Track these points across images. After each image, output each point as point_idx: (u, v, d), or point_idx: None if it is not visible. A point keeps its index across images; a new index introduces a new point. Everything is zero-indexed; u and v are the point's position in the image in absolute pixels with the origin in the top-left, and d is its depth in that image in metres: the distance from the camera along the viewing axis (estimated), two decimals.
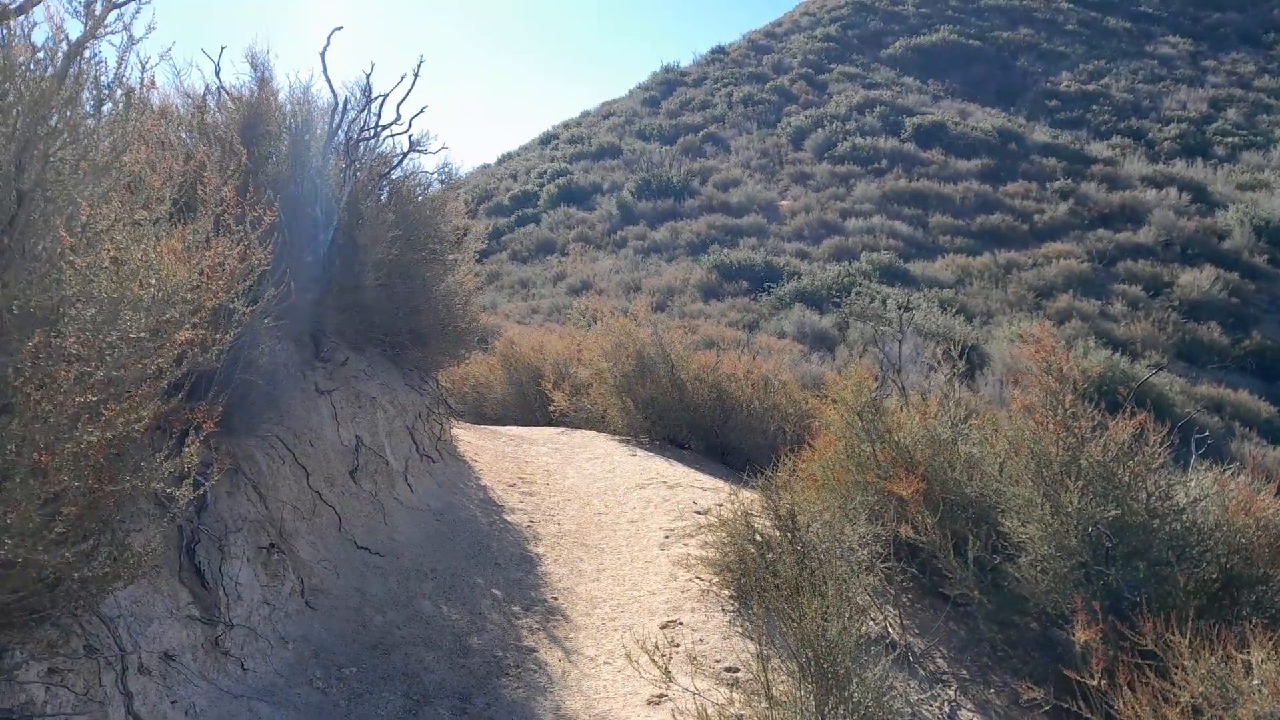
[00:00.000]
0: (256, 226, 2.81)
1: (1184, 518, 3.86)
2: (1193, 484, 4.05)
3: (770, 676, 3.26)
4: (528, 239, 26.56)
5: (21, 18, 2.47)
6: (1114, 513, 3.80)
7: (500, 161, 38.13)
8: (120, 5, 2.50)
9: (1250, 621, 3.22)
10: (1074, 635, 3.35)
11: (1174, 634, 2.92)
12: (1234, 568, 3.75)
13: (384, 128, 5.75)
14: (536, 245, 26.07)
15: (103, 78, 2.64)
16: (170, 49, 3.23)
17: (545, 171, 32.33)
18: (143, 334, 2.07)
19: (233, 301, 2.62)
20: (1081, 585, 3.78)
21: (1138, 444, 3.98)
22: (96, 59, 2.65)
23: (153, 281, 2.09)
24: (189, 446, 2.26)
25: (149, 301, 2.07)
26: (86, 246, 2.02)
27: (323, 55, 5.20)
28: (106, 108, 2.57)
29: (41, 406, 1.79)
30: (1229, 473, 4.09)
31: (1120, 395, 4.10)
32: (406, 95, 5.71)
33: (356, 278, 5.34)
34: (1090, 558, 3.81)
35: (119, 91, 2.47)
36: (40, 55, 2.39)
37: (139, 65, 2.59)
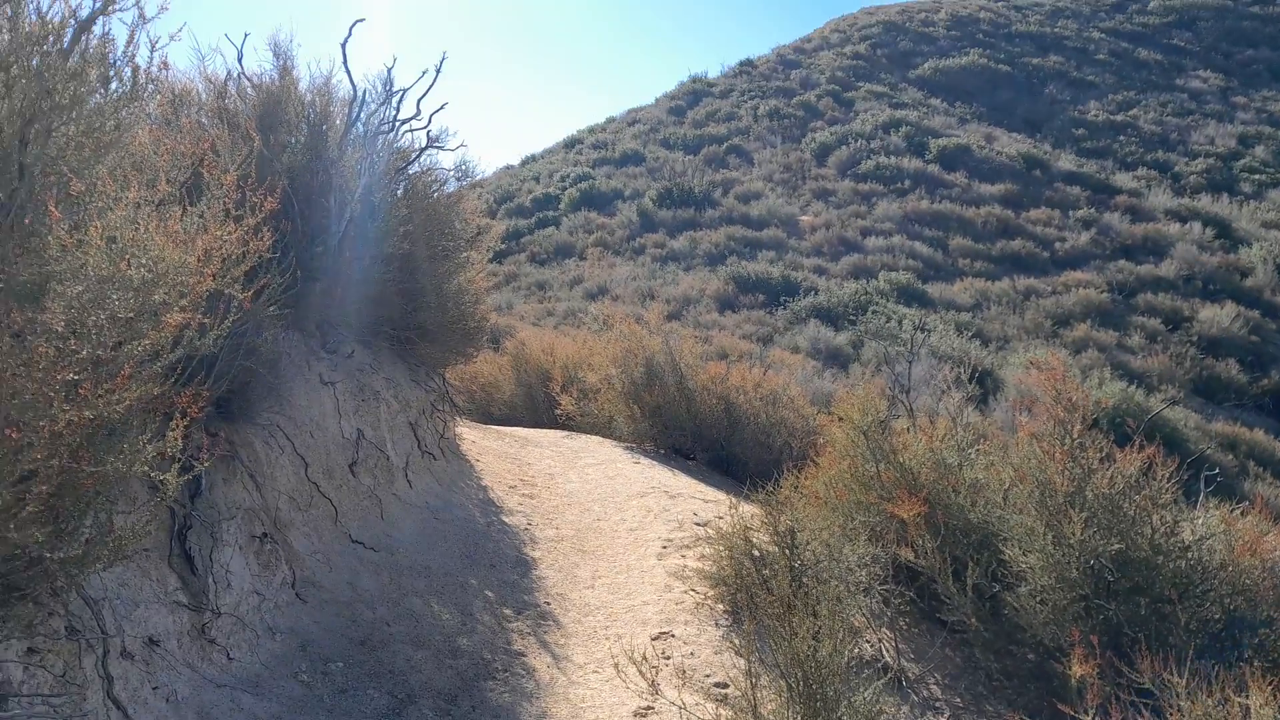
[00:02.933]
0: (257, 213, 2.79)
1: (1189, 555, 3.79)
2: (1199, 521, 3.97)
3: (759, 695, 3.21)
4: (547, 241, 26.56)
5: None
6: (1117, 546, 3.73)
7: (523, 163, 38.17)
8: None
9: (1251, 664, 3.15)
10: (1070, 669, 3.29)
11: (1172, 673, 2.85)
12: (1237, 609, 3.67)
13: (403, 122, 5.74)
14: (555, 248, 26.06)
15: (112, 56, 2.63)
16: (181, 30, 3.21)
17: (568, 175, 32.33)
18: (130, 314, 2.05)
19: (228, 287, 2.60)
20: (1081, 618, 3.71)
21: (1146, 478, 3.91)
22: (108, 36, 2.64)
23: (143, 262, 2.08)
24: (172, 431, 2.24)
25: (138, 282, 2.05)
26: (77, 224, 2.00)
27: (343, 46, 5.20)
28: (114, 86, 2.55)
29: (19, 382, 1.77)
30: (1237, 512, 4.02)
31: (1129, 428, 4.03)
32: (428, 91, 5.71)
33: (367, 270, 5.33)
34: (1091, 591, 3.74)
35: (126, 70, 2.46)
36: (49, 31, 2.37)
37: (149, 45, 2.57)
